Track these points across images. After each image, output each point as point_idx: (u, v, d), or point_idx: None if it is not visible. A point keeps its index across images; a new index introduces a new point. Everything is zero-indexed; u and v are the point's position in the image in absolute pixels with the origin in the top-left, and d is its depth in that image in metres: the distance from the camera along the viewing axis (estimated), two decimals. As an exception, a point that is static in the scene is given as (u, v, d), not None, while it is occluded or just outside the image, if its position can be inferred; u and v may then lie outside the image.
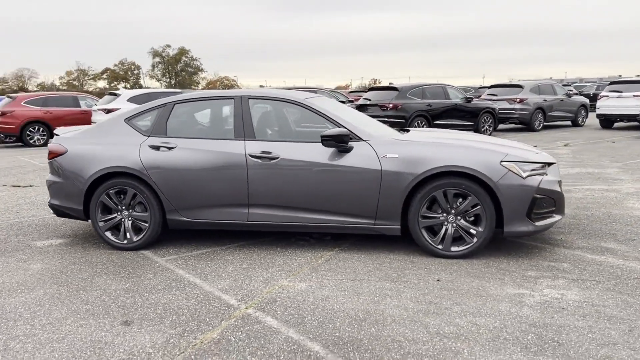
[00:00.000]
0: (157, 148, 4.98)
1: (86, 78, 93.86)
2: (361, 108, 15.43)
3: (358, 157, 4.66)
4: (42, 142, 16.43)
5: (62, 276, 4.39)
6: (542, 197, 4.55)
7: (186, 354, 3.04)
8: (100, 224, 5.09)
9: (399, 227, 4.67)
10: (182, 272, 4.42)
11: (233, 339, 3.19)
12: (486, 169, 4.47)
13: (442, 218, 4.60)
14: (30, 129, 16.49)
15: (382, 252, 4.79)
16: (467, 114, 15.81)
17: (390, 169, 4.59)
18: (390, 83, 20.63)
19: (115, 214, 5.08)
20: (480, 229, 4.53)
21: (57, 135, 5.45)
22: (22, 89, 79.77)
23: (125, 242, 5.06)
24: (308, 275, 4.28)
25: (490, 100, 17.59)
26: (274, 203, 4.83)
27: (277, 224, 4.88)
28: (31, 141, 16.47)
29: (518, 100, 17.53)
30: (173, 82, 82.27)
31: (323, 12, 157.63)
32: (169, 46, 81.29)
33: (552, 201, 4.66)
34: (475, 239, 4.55)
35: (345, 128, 4.73)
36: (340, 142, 4.61)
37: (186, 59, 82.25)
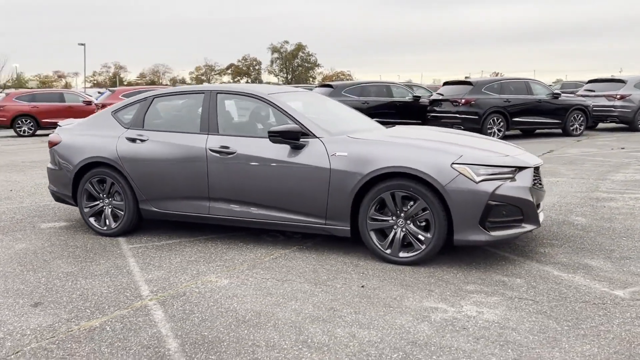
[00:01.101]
0: (133, 140, 5.21)
1: (212, 73, 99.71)
2: (434, 103, 14.89)
3: (309, 155, 4.53)
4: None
5: (29, 256, 4.74)
6: (501, 205, 4.11)
7: (55, 339, 3.16)
8: (86, 210, 5.43)
9: (349, 228, 4.47)
10: (131, 260, 4.59)
11: (107, 329, 3.26)
12: (434, 170, 4.13)
13: (392, 221, 4.33)
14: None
15: (336, 254, 4.61)
16: (553, 111, 14.64)
17: (339, 168, 4.40)
18: (466, 77, 19.69)
19: (98, 202, 5.39)
20: (428, 235, 4.21)
21: (59, 126, 5.89)
22: (154, 83, 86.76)
23: (105, 228, 5.36)
24: (241, 272, 4.24)
25: (586, 96, 16.10)
26: (232, 198, 4.84)
27: (235, 219, 4.89)
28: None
29: (619, 96, 15.80)
30: (290, 77, 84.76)
31: (442, 5, 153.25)
32: (287, 42, 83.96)
33: (516, 209, 4.20)
34: (423, 246, 4.23)
35: (297, 124, 4.61)
36: (289, 139, 4.51)
37: (303, 55, 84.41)
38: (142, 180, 5.13)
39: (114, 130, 5.35)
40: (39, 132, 19.02)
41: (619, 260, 4.36)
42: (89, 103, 19.27)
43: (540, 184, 4.61)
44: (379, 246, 4.36)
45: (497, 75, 78.96)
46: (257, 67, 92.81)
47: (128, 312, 3.52)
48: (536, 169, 4.54)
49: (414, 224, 4.27)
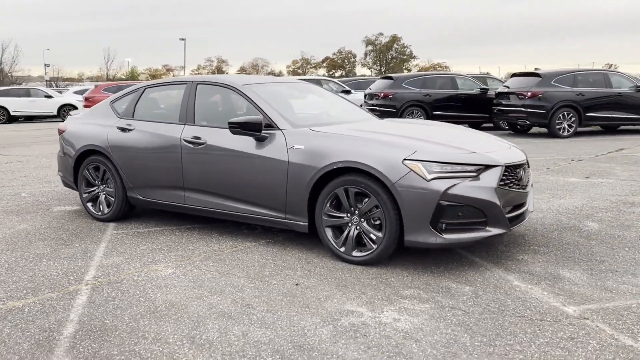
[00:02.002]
0: (122, 129, 5.36)
1: (308, 66, 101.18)
2: (500, 97, 14.07)
3: (270, 147, 4.42)
4: None
5: (20, 237, 5.04)
6: (456, 205, 3.78)
7: (-26, 315, 3.33)
8: (84, 195, 5.69)
9: (306, 224, 4.32)
10: (103, 245, 4.74)
11: (25, 310, 3.36)
12: (385, 166, 3.87)
13: (347, 219, 4.13)
14: None
15: (298, 250, 4.48)
16: (636, 105, 13.31)
17: (296, 161, 4.26)
18: (535, 69, 18.25)
19: (95, 188, 5.63)
20: (380, 235, 3.96)
21: (70, 115, 6.19)
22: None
23: (99, 213, 5.58)
24: (192, 263, 4.23)
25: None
26: (203, 189, 4.85)
27: (207, 210, 4.89)
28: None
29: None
30: (383, 69, 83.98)
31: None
32: (381, 34, 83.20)
33: (477, 211, 3.84)
34: (375, 245, 3.99)
35: (261, 116, 4.51)
36: (248, 130, 4.42)
37: (397, 47, 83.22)
38: (128, 168, 5.27)
39: (109, 120, 5.54)
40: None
41: (600, 273, 3.86)
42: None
43: (520, 184, 4.18)
44: (334, 243, 4.18)
45: (610, 67, 73.32)
46: (352, 60, 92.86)
47: (57, 295, 3.63)
48: (515, 167, 4.13)
49: (367, 222, 4.04)
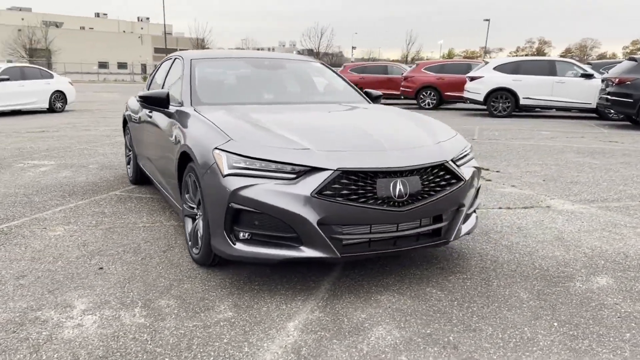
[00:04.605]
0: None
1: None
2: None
3: (168, 123, 4.21)
4: None
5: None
6: (250, 211, 2.99)
7: None
8: (126, 158, 6.38)
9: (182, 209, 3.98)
10: (85, 202, 5.23)
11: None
12: (200, 155, 3.30)
13: (195, 210, 3.66)
14: (423, 93, 18.00)
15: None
16: None
17: (174, 140, 3.95)
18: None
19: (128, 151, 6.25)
20: (202, 233, 3.42)
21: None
22: (581, 60, 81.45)
23: (130, 175, 6.15)
24: (91, 226, 4.36)
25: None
26: (149, 158, 5.04)
27: (151, 179, 5.11)
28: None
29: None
30: None
31: None
32: None
33: (281, 224, 2.96)
34: (201, 244, 3.46)
35: (167, 91, 4.30)
36: (151, 104, 4.27)
37: None
38: (131, 136, 5.73)
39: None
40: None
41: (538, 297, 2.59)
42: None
43: (379, 199, 3.01)
44: (187, 235, 3.77)
45: None
46: None
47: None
48: (375, 175, 3.03)
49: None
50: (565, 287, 3.27)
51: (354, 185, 2.99)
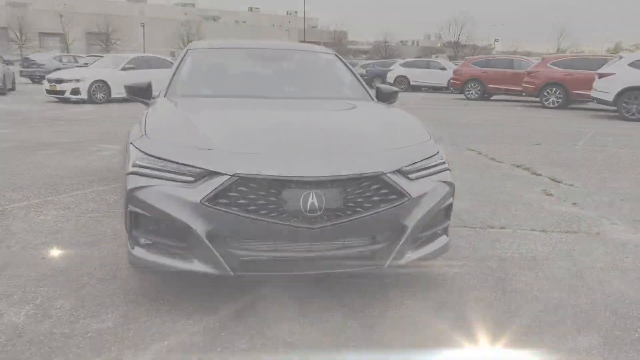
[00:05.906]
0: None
1: None
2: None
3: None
4: None
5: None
6: (141, 215, 2.73)
7: None
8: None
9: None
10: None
11: None
12: (125, 149, 3.12)
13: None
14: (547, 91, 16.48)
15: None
16: None
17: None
18: None
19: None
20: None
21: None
22: None
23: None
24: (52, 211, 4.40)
25: None
26: None
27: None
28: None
29: None
30: None
31: None
32: None
33: (174, 232, 2.68)
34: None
35: (149, 81, 4.15)
36: (133, 95, 4.15)
37: None
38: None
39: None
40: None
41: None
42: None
43: (286, 212, 2.58)
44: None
45: None
46: None
47: None
48: (282, 183, 2.60)
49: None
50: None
51: (253, 195, 2.59)
